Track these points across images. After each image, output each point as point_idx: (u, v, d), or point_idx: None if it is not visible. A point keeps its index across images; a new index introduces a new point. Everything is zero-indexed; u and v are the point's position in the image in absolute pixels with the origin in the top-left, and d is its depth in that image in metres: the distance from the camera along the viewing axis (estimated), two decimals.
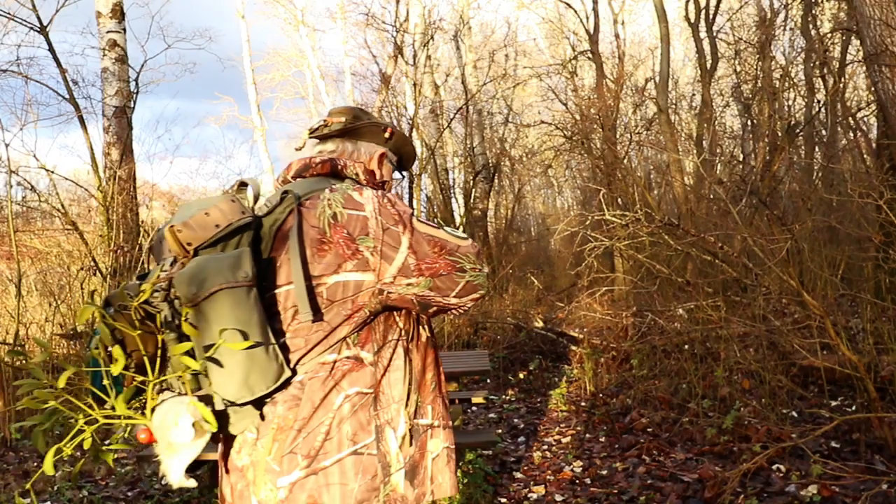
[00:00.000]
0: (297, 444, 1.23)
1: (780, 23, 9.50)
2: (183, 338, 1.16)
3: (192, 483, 1.22)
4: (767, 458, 3.22)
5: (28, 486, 1.26)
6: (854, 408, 3.92)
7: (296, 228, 1.25)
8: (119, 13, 7.46)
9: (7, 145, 6.46)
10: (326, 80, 17.90)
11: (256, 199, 1.32)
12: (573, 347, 6.25)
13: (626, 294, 6.38)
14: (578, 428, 4.57)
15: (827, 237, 5.54)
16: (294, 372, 1.25)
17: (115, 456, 3.97)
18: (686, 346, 4.93)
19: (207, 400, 1.17)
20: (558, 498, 3.44)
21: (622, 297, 6.65)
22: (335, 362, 1.27)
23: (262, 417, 1.25)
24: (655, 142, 9.40)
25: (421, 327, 1.41)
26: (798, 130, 8.46)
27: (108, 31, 7.40)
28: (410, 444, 1.32)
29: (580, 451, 4.10)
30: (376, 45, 13.91)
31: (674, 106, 10.50)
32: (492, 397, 5.61)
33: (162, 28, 18.70)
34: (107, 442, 1.26)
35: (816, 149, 8.90)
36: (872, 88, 5.63)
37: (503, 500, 3.48)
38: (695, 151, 8.84)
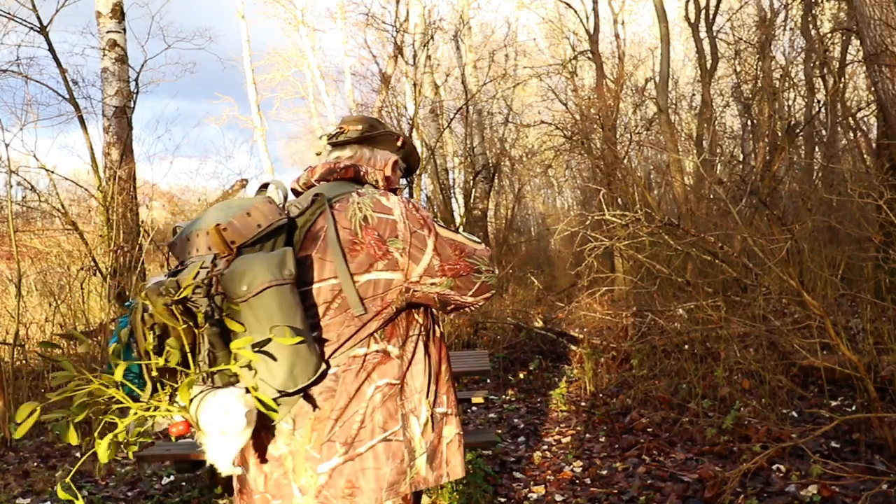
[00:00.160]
0: (335, 432, 1.33)
1: (780, 23, 9.50)
2: (225, 332, 1.22)
3: (239, 470, 1.33)
4: (767, 458, 3.22)
5: (67, 479, 1.28)
6: (854, 408, 3.92)
7: (333, 230, 1.34)
8: (119, 13, 7.46)
9: (7, 145, 6.47)
10: (326, 80, 17.94)
11: (285, 199, 1.41)
12: (573, 347, 6.25)
13: (626, 294, 6.38)
14: (578, 428, 4.57)
15: (827, 237, 5.54)
16: (328, 365, 1.33)
17: (114, 455, 3.97)
18: (686, 346, 4.93)
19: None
20: (558, 498, 3.44)
21: (622, 297, 6.65)
22: (366, 356, 1.36)
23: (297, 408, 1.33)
24: (655, 142, 9.40)
25: (435, 324, 1.52)
26: (798, 130, 8.45)
27: (108, 31, 7.40)
28: (432, 431, 1.43)
29: (580, 451, 4.10)
30: (376, 45, 13.93)
31: (674, 106, 10.50)
32: (492, 397, 5.60)
33: (162, 28, 18.70)
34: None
35: (816, 149, 8.90)
36: (872, 88, 5.63)
37: (503, 500, 3.48)
38: (695, 151, 8.84)
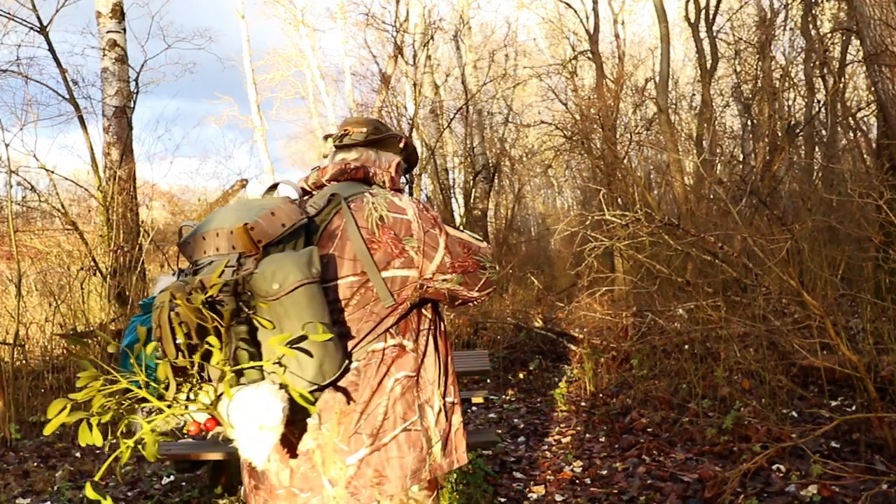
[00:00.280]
0: (361, 424, 1.38)
1: (780, 23, 9.50)
2: (251, 330, 1.25)
3: (271, 465, 1.37)
4: (767, 458, 3.22)
5: (98, 477, 1.29)
6: (854, 408, 3.92)
7: (355, 227, 1.39)
8: (119, 13, 7.46)
9: (7, 145, 6.48)
10: (326, 80, 17.93)
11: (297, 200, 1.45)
12: (573, 347, 6.24)
13: (626, 294, 6.38)
14: (578, 428, 4.57)
15: (827, 237, 5.54)
16: (350, 360, 1.38)
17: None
18: (686, 346, 4.93)
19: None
20: (558, 498, 3.44)
21: (622, 297, 6.65)
22: (384, 350, 1.41)
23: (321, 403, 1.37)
24: (655, 142, 9.40)
25: (441, 319, 1.58)
26: (798, 130, 8.45)
27: (108, 31, 7.40)
28: (446, 420, 1.51)
29: (580, 451, 4.10)
30: (376, 45, 13.93)
31: (674, 106, 10.50)
32: (492, 397, 5.60)
33: (162, 28, 18.59)
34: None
35: (816, 149, 8.90)
36: (872, 88, 5.63)
37: (503, 500, 3.48)
38: (695, 151, 8.84)
